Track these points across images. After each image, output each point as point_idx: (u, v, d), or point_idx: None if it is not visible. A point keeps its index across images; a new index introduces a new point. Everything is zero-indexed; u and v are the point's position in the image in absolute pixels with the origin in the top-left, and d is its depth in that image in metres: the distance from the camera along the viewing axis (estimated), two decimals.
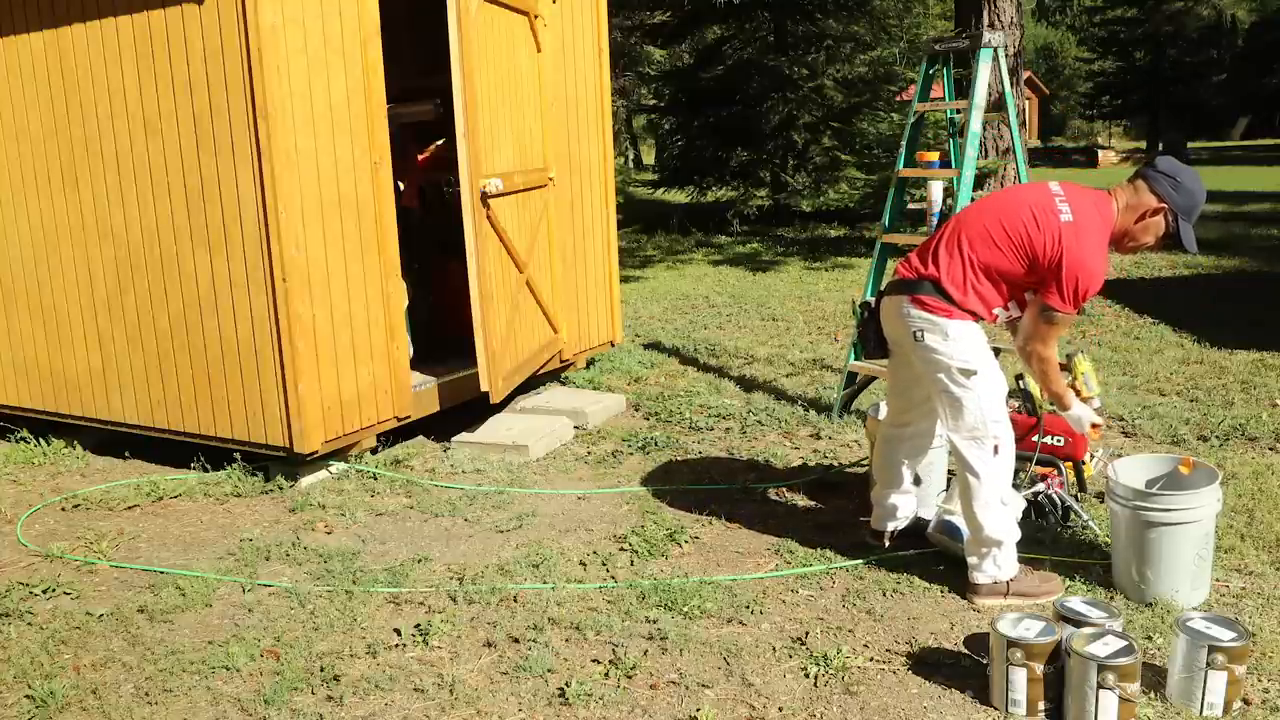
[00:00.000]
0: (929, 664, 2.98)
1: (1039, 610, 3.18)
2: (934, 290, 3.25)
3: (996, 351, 5.17)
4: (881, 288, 3.57)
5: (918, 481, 3.75)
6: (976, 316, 3.27)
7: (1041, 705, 2.68)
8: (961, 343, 3.23)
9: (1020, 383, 4.06)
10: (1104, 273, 3.15)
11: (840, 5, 14.77)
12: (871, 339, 3.55)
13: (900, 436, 3.66)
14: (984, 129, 5.91)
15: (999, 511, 3.25)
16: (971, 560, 3.33)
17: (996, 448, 3.25)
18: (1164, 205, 3.15)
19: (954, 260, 3.25)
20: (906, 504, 3.71)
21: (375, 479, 4.72)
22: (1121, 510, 3.27)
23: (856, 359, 5.20)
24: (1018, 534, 3.33)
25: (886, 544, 3.73)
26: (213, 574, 3.76)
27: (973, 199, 4.86)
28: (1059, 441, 3.93)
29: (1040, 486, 3.84)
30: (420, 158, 6.17)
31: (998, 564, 3.28)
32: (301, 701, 2.91)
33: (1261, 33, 42.19)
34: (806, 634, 3.18)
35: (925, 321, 3.26)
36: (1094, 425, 3.45)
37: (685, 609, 3.33)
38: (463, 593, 3.52)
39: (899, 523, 3.73)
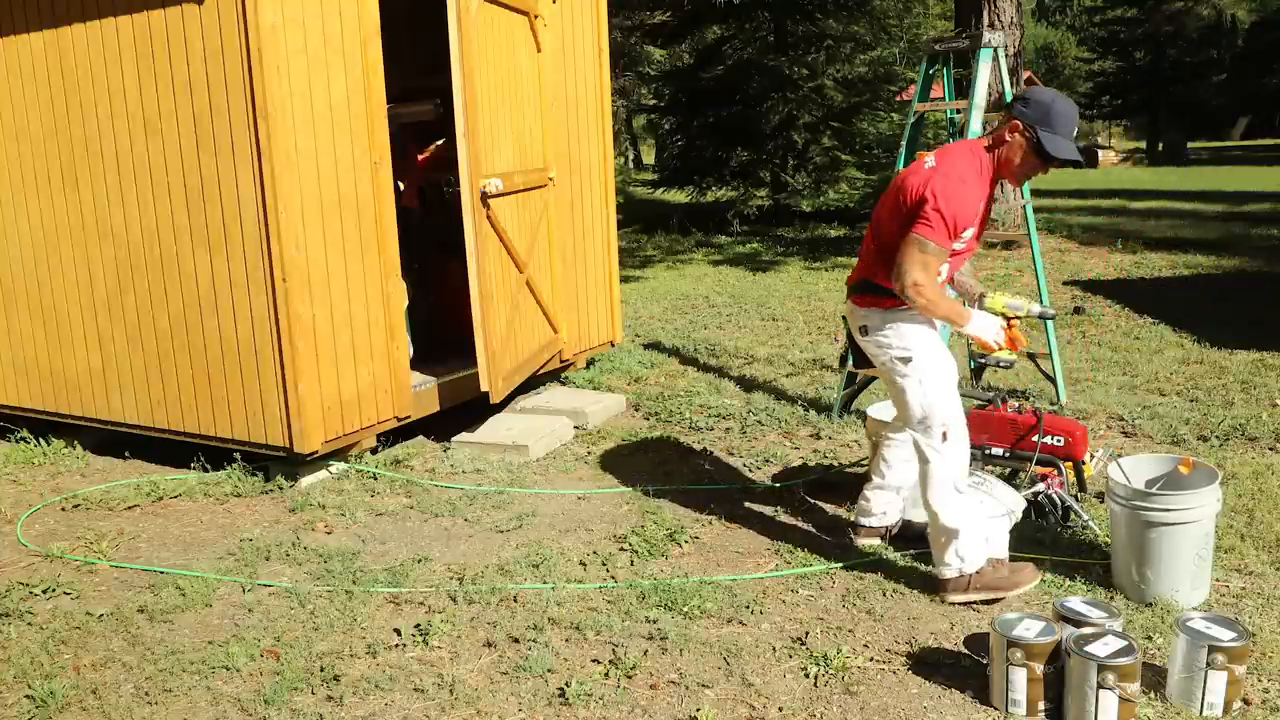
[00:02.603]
0: (929, 664, 2.98)
1: (1030, 609, 3.18)
2: (867, 287, 3.36)
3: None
4: None
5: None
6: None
7: (1041, 705, 2.68)
8: (896, 330, 3.31)
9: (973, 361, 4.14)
10: (971, 200, 3.16)
11: (840, 5, 14.78)
12: (854, 351, 3.64)
13: (898, 440, 3.69)
14: (984, 129, 5.90)
15: (954, 499, 3.27)
16: (935, 553, 3.35)
17: (945, 434, 3.27)
18: (1016, 121, 3.17)
19: (871, 252, 3.37)
20: (893, 504, 3.75)
21: (375, 479, 4.72)
22: (1121, 510, 3.27)
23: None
24: (978, 524, 3.31)
25: (875, 541, 3.75)
26: (213, 574, 3.76)
27: None
28: (1059, 441, 3.93)
29: (1040, 486, 3.84)
30: (420, 158, 6.17)
31: (960, 555, 3.29)
32: (301, 701, 2.91)
33: (1261, 33, 42.22)
34: (806, 634, 3.18)
35: (864, 316, 3.39)
36: (1006, 328, 3.38)
37: (685, 609, 3.33)
38: (463, 593, 3.52)
39: (880, 519, 3.75)
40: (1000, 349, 3.37)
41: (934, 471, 3.28)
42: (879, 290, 3.31)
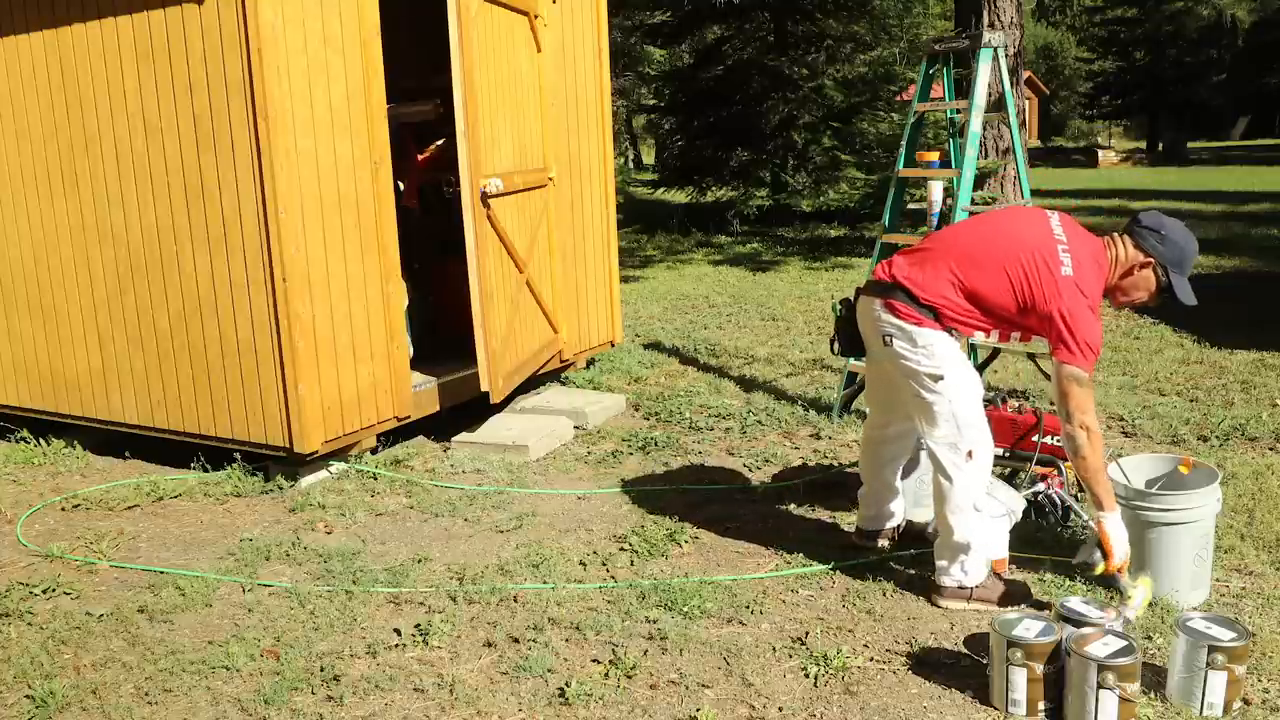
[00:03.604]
0: (929, 664, 2.98)
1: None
2: (908, 299, 3.22)
3: (997, 352, 5.18)
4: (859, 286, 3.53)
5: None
6: (954, 332, 3.24)
7: (1041, 705, 2.68)
8: (930, 349, 3.20)
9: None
10: (1101, 329, 3.10)
11: (840, 5, 14.77)
12: (842, 337, 3.54)
13: (883, 438, 3.66)
14: (984, 129, 5.91)
15: (970, 517, 3.23)
16: (940, 562, 3.32)
17: (971, 453, 3.21)
18: (1150, 259, 3.12)
19: (940, 277, 3.20)
20: (894, 505, 3.73)
21: (375, 479, 4.72)
22: (1121, 510, 3.27)
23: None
24: (989, 541, 3.29)
25: (882, 544, 3.73)
26: (213, 574, 3.76)
27: (972, 199, 4.86)
28: (1059, 441, 3.92)
29: (1040, 486, 3.84)
30: (420, 158, 6.17)
31: (965, 569, 3.27)
32: (301, 701, 2.91)
33: (1261, 33, 42.25)
34: (806, 634, 3.18)
35: (894, 327, 3.24)
36: (1121, 562, 3.10)
37: (685, 609, 3.33)
38: (463, 593, 3.52)
39: (885, 523, 3.73)
40: (1109, 567, 3.11)
41: (955, 489, 3.22)
42: (922, 309, 3.19)
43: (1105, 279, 3.15)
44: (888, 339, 3.26)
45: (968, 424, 3.21)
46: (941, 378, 3.20)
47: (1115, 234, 3.24)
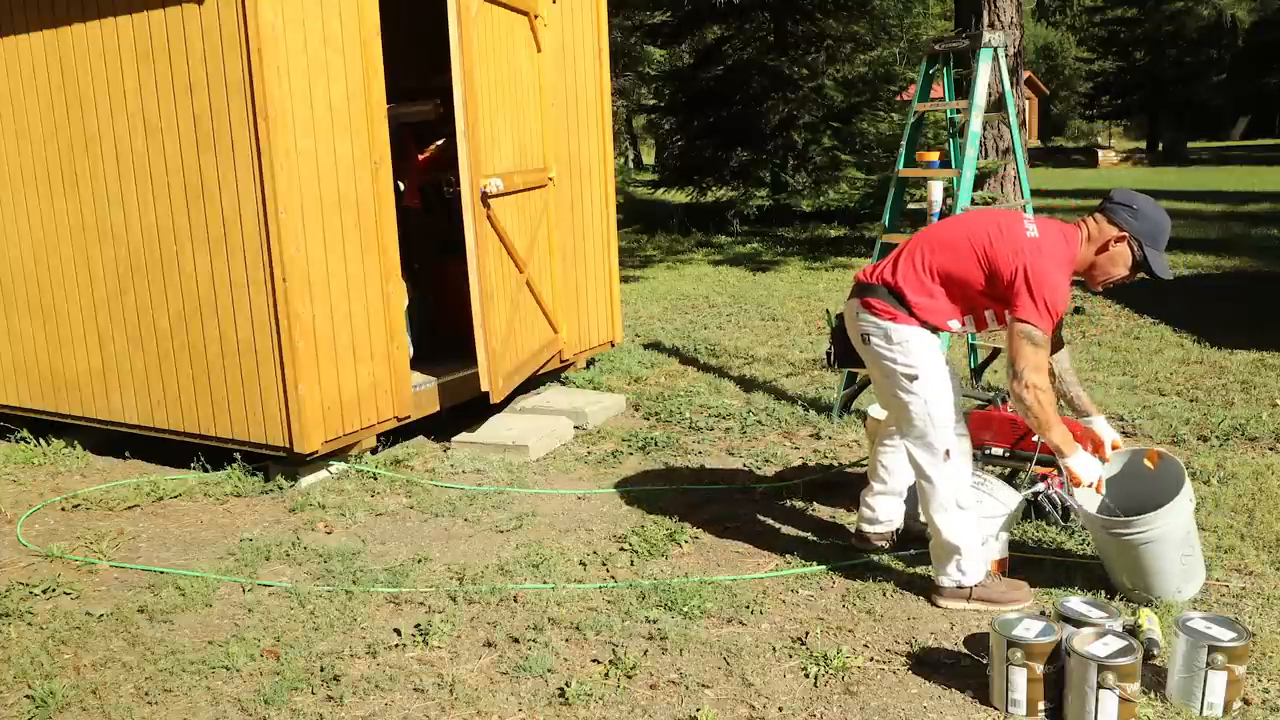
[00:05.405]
0: (929, 664, 2.98)
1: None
2: (886, 294, 3.25)
3: (997, 352, 5.18)
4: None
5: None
6: (930, 326, 3.24)
7: (1041, 705, 2.68)
8: (905, 347, 3.22)
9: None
10: (1068, 293, 3.12)
11: (840, 5, 14.78)
12: (837, 349, 3.58)
13: (897, 445, 3.65)
14: (984, 129, 5.90)
15: (956, 516, 3.24)
16: (935, 565, 3.33)
17: (948, 452, 3.22)
18: (1125, 233, 3.12)
19: (911, 267, 3.25)
20: (896, 507, 3.73)
21: (375, 479, 4.72)
22: (1098, 536, 3.26)
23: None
24: (984, 540, 3.29)
25: (882, 545, 3.73)
26: (213, 574, 3.76)
27: (972, 199, 4.86)
28: None
29: (1040, 486, 3.84)
30: (420, 158, 6.17)
31: (961, 569, 3.26)
32: (301, 701, 2.91)
33: (1261, 33, 42.27)
34: (806, 634, 3.18)
35: (871, 324, 3.27)
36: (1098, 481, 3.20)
37: (685, 609, 3.33)
38: (463, 593, 3.52)
39: (887, 525, 3.73)
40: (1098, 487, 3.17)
41: (936, 489, 3.24)
42: (899, 303, 3.21)
43: (1074, 254, 3.16)
44: (865, 338, 3.31)
45: (943, 424, 3.23)
46: (916, 377, 3.22)
47: (1087, 215, 3.26)
